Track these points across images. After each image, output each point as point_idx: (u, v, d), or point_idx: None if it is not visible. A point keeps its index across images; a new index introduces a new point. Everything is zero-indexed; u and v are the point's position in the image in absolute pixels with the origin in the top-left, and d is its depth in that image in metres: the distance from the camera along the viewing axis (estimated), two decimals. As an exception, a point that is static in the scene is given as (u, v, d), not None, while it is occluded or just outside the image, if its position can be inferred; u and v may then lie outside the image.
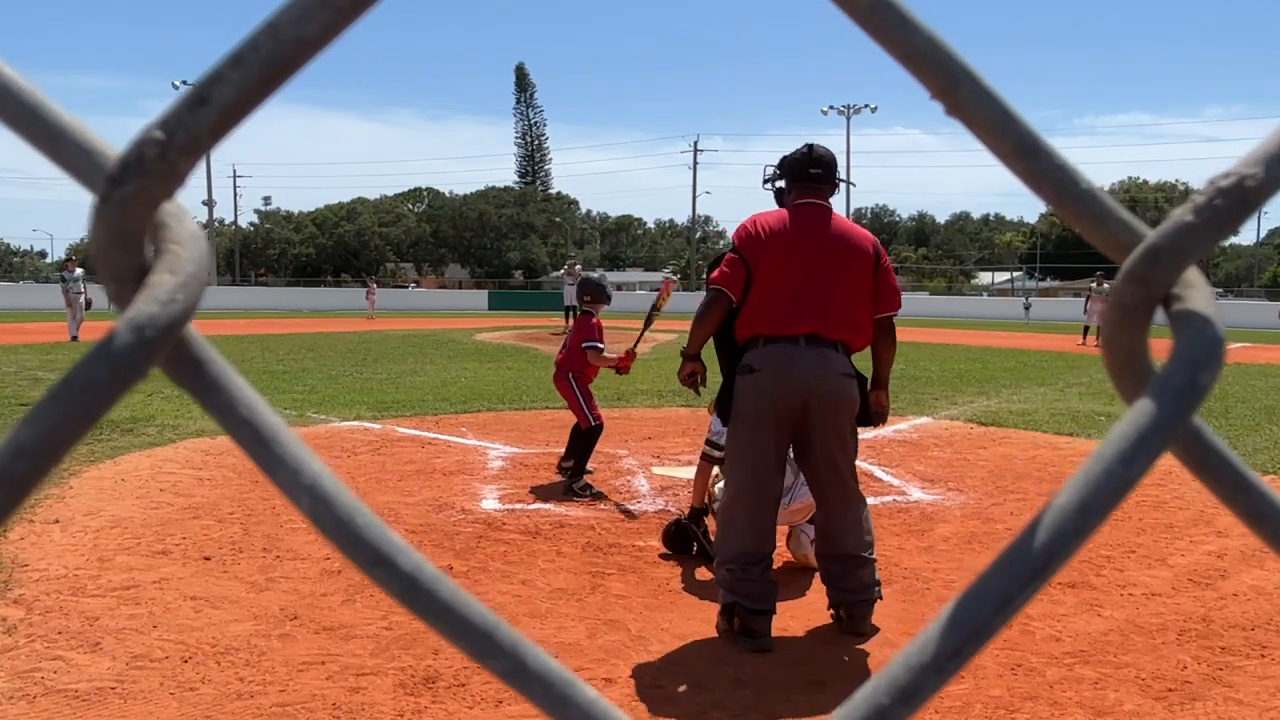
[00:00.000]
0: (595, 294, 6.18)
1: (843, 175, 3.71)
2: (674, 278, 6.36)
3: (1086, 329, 22.44)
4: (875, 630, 3.57)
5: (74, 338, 17.84)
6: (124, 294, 0.23)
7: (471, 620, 0.23)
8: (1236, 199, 0.25)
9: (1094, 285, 22.62)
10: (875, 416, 3.75)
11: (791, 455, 3.70)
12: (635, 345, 5.97)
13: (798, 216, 3.53)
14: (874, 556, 3.63)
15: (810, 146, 3.62)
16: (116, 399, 0.21)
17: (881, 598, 3.64)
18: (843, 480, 3.59)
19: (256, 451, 0.22)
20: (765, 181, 3.82)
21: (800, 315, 3.44)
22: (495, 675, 0.22)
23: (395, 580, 0.21)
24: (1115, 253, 0.27)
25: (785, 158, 3.69)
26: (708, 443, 4.61)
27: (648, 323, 5.81)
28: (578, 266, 23.79)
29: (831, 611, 3.67)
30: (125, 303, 0.23)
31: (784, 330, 3.45)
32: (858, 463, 3.71)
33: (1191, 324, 0.25)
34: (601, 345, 5.99)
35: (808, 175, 3.56)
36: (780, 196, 3.72)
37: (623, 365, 5.88)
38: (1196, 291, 0.27)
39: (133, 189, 0.23)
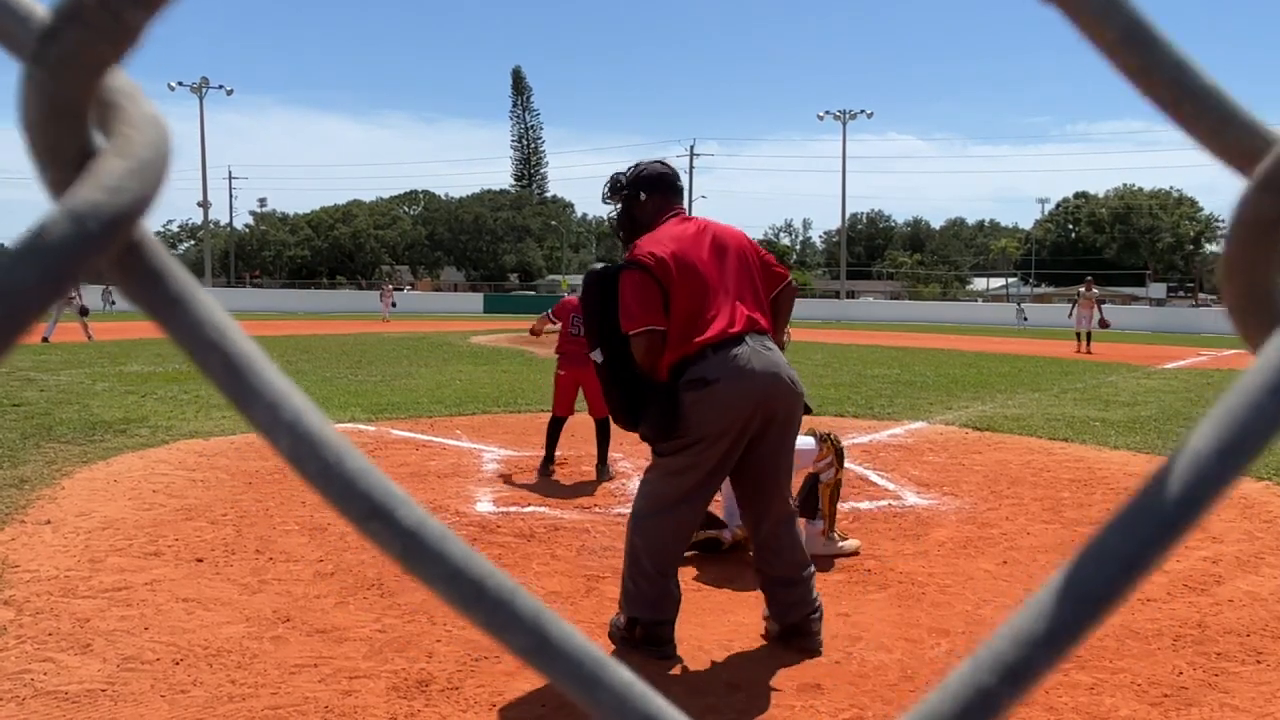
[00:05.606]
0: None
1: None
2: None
3: (1079, 335, 21.84)
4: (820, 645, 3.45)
5: (45, 339, 16.95)
6: (62, 180, 0.19)
7: (485, 585, 0.19)
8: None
9: (1082, 290, 21.73)
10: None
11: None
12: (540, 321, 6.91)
13: (684, 225, 3.52)
14: (813, 571, 3.50)
15: (660, 162, 3.72)
16: (46, 305, 0.18)
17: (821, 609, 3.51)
18: (784, 493, 3.45)
19: (226, 382, 0.18)
20: (607, 198, 3.76)
21: (731, 311, 3.33)
22: (513, 652, 0.19)
23: (395, 538, 0.18)
24: (1243, 161, 0.23)
25: (643, 174, 3.64)
26: None
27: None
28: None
29: (765, 629, 3.55)
30: (62, 190, 0.19)
31: (726, 332, 3.28)
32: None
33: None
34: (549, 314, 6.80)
35: (675, 187, 3.65)
36: (631, 208, 3.64)
37: (534, 327, 7.06)
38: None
39: (71, 45, 0.18)
